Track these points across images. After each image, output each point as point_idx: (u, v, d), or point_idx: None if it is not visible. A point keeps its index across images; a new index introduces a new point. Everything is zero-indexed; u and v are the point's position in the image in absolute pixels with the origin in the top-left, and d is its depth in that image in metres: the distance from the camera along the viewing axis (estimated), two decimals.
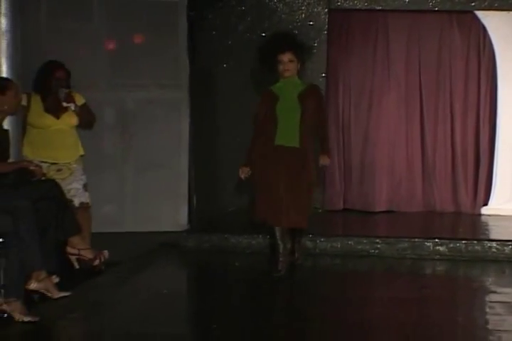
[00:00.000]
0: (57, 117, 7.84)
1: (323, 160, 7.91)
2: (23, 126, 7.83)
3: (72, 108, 7.78)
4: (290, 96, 7.74)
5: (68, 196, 7.79)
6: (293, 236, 8.12)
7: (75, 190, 7.89)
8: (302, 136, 7.75)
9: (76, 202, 7.89)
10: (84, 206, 8.01)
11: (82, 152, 8.09)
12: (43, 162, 7.78)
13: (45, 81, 7.80)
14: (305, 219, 7.90)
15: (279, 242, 7.79)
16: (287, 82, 7.79)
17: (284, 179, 7.67)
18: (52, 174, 7.80)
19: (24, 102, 7.78)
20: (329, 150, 8.17)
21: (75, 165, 7.96)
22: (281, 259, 7.78)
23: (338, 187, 11.34)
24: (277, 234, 7.78)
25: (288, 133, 7.74)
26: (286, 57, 7.67)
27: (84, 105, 8.00)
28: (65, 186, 7.76)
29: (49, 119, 7.83)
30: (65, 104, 7.77)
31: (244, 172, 7.84)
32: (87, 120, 8.03)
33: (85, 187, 8.01)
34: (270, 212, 7.69)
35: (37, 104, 7.82)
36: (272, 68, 7.77)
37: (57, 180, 7.65)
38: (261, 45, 8.01)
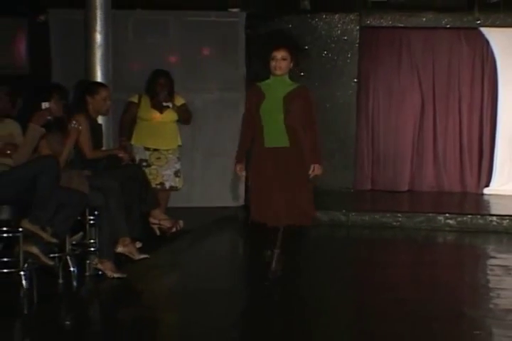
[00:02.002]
0: (161, 112, 7.92)
1: (315, 170, 6.21)
2: (133, 120, 7.98)
3: (170, 106, 7.87)
4: (276, 96, 6.19)
5: (162, 180, 7.92)
6: (277, 243, 6.33)
7: (167, 176, 7.97)
8: (290, 135, 6.18)
9: (167, 185, 7.98)
10: (173, 189, 8.09)
11: (179, 142, 8.17)
12: (146, 149, 7.92)
13: (151, 85, 7.90)
14: (308, 216, 6.38)
15: (274, 243, 6.28)
16: (276, 81, 6.24)
17: (279, 179, 6.18)
18: (152, 161, 7.95)
19: (136, 100, 7.94)
20: (320, 159, 6.27)
21: (170, 155, 8.03)
22: (275, 260, 6.27)
23: (366, 171, 11.31)
24: (272, 236, 6.28)
25: (275, 135, 6.20)
26: (279, 54, 6.15)
27: (183, 105, 8.06)
28: (161, 171, 7.94)
29: (154, 114, 7.91)
30: (164, 104, 7.86)
31: (239, 170, 6.35)
32: (184, 117, 8.10)
33: (176, 173, 8.08)
34: (266, 213, 6.21)
35: (146, 102, 7.91)
36: (265, 65, 6.25)
37: (155, 166, 7.80)
38: (257, 40, 6.58)
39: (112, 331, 5.17)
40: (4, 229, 5.51)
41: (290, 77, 6.29)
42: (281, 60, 6.16)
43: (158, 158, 7.98)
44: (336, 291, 6.26)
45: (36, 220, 5.52)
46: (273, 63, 6.17)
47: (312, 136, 6.25)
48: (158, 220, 7.56)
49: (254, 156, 6.33)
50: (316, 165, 6.20)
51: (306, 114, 6.22)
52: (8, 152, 5.65)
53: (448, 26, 10.82)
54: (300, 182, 6.26)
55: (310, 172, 6.20)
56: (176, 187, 8.12)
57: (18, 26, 10.40)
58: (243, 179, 8.72)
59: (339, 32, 10.85)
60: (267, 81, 6.30)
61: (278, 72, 6.19)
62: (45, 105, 5.99)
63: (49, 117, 5.96)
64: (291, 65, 6.24)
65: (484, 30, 10.86)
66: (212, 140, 9.67)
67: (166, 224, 7.59)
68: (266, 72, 6.33)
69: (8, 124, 5.86)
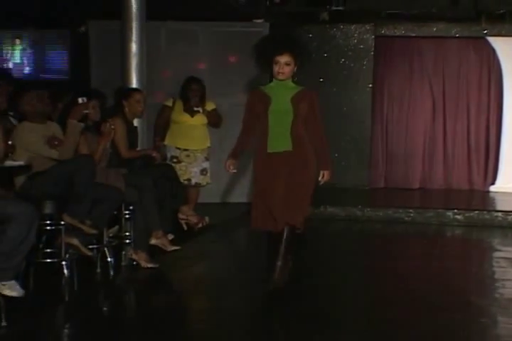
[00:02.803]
0: (192, 116, 7.93)
1: (325, 177, 5.59)
2: (167, 122, 8.00)
3: (200, 111, 7.89)
4: (283, 98, 5.49)
5: (189, 176, 7.95)
6: (281, 250, 5.54)
7: (194, 173, 8.00)
8: (295, 139, 5.48)
9: (193, 181, 8.00)
10: (197, 185, 8.11)
11: (209, 144, 8.17)
12: (177, 148, 7.96)
13: (184, 90, 7.91)
14: (300, 216, 5.52)
15: (274, 252, 5.54)
16: (280, 84, 5.53)
17: (282, 186, 5.45)
18: (182, 158, 7.98)
19: (170, 104, 7.96)
20: (329, 166, 5.62)
21: (198, 154, 8.05)
22: (276, 270, 5.49)
23: (380, 170, 11.28)
24: (272, 242, 5.59)
25: (279, 139, 5.49)
26: (283, 59, 5.41)
27: (213, 110, 8.06)
28: (189, 168, 7.98)
29: (186, 117, 7.92)
30: (195, 108, 7.88)
31: (229, 165, 5.69)
32: (214, 121, 8.10)
33: (202, 171, 8.10)
34: (265, 219, 5.52)
35: (179, 106, 7.92)
36: (267, 68, 5.56)
37: (185, 163, 7.84)
38: (259, 43, 5.66)
39: (145, 316, 5.20)
40: (48, 222, 5.56)
41: (294, 81, 5.59)
42: (284, 65, 5.44)
43: (188, 156, 8.01)
44: (351, 281, 6.26)
45: (74, 214, 5.58)
46: (276, 68, 5.45)
47: (319, 141, 5.57)
48: (186, 216, 7.61)
49: (257, 163, 5.65)
50: (326, 172, 5.59)
51: (311, 117, 5.53)
52: (56, 142, 5.71)
53: (457, 36, 10.77)
54: (303, 187, 5.51)
55: (320, 179, 5.59)
56: (200, 183, 8.14)
57: (61, 37, 10.51)
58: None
59: (355, 41, 10.83)
60: (270, 84, 5.62)
61: (281, 77, 5.49)
62: (82, 100, 6.03)
63: (86, 111, 6.00)
64: (295, 69, 5.51)
65: (490, 39, 10.80)
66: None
67: (193, 219, 7.64)
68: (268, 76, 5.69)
69: (51, 126, 5.91)
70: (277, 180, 5.48)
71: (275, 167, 5.51)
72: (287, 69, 5.46)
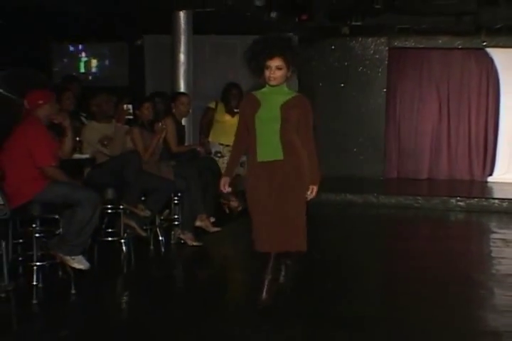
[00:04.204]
0: (232, 116, 7.90)
1: (313, 192, 4.42)
2: (211, 121, 7.95)
3: None
4: (272, 105, 4.38)
5: None
6: (280, 258, 4.64)
7: None
8: (286, 146, 4.37)
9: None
10: (236, 176, 8.08)
11: None
12: (220, 144, 7.93)
13: (225, 94, 7.88)
14: (303, 240, 4.45)
15: (267, 269, 4.53)
16: (273, 90, 4.41)
17: (274, 199, 4.36)
18: (225, 152, 7.93)
19: (213, 106, 7.93)
20: (317, 180, 4.45)
21: None
22: (265, 288, 4.51)
23: (393, 162, 11.20)
24: (268, 260, 4.52)
25: (268, 147, 4.39)
26: (274, 63, 4.30)
27: None
28: None
29: (227, 117, 7.88)
30: (235, 110, 7.86)
31: (223, 185, 4.60)
32: None
33: (242, 164, 8.00)
34: (260, 237, 4.41)
35: (221, 107, 7.88)
36: (259, 74, 4.39)
37: (227, 157, 7.82)
38: (249, 47, 4.44)
39: (191, 285, 5.24)
40: (109, 206, 5.62)
41: (288, 86, 4.50)
42: (276, 70, 4.33)
43: (230, 151, 7.98)
44: (366, 259, 6.24)
45: (127, 201, 5.64)
46: (267, 73, 4.35)
47: (309, 152, 4.45)
48: (228, 200, 7.60)
49: (248, 173, 4.61)
50: (315, 187, 4.42)
51: (303, 125, 4.40)
52: (105, 142, 5.82)
53: (460, 47, 10.68)
54: (297, 200, 4.42)
55: (308, 193, 4.42)
56: (239, 175, 8.12)
57: (121, 49, 10.58)
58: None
59: (372, 52, 10.77)
60: (262, 89, 4.49)
61: (272, 83, 4.38)
62: (126, 107, 6.15)
63: (128, 116, 6.14)
64: (289, 73, 4.41)
65: (489, 50, 10.68)
66: None
67: (234, 204, 7.62)
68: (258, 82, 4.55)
69: (113, 124, 6.00)
70: (267, 196, 4.39)
71: (266, 179, 4.42)
72: (279, 74, 4.34)
